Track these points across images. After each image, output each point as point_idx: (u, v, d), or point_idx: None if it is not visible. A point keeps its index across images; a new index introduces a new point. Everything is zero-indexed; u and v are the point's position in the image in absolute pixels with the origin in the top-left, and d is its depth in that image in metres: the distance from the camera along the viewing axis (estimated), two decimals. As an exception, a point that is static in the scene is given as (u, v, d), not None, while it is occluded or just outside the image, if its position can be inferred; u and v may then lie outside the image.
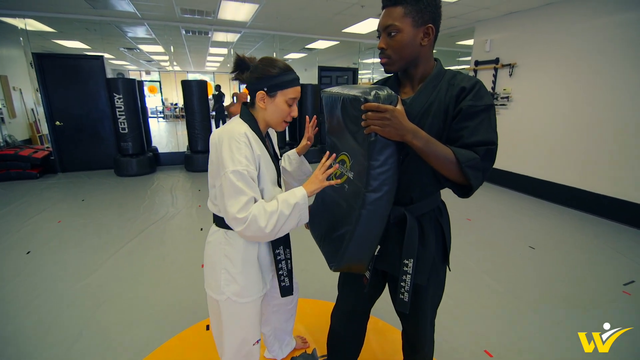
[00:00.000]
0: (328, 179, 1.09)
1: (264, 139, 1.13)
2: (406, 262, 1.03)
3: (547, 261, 2.77)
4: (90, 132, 5.66)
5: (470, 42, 5.54)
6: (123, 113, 5.21)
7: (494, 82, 4.99)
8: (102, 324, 1.93)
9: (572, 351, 1.73)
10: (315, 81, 7.30)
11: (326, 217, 1.15)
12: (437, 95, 0.98)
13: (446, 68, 1.04)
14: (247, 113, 1.12)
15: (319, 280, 2.39)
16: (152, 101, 16.77)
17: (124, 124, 5.26)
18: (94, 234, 3.19)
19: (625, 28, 3.49)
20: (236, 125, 1.06)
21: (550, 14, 4.18)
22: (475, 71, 5.29)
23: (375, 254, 1.07)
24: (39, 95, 5.38)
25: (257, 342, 1.25)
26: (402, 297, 1.05)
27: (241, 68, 1.12)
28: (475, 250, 2.95)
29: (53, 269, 2.53)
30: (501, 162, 5.00)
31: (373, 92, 0.85)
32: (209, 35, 6.65)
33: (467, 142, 0.91)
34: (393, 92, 0.87)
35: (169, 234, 3.21)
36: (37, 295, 2.19)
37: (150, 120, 16.70)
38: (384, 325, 1.94)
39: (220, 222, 1.16)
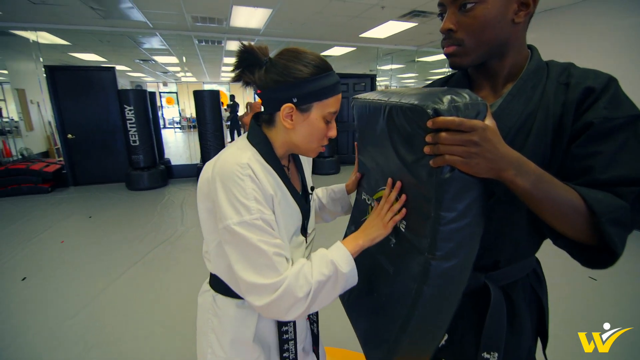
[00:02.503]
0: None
1: (283, 169, 0.76)
2: (487, 356, 0.69)
3: (612, 295, 2.36)
4: (102, 145, 5.55)
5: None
6: (134, 125, 5.06)
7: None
8: (87, 375, 1.65)
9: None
10: (331, 89, 7.03)
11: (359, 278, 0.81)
12: (542, 101, 0.62)
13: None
14: (258, 132, 0.75)
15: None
16: (170, 112, 17.04)
17: (135, 137, 5.11)
18: (95, 256, 2.96)
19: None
20: (236, 152, 0.69)
21: (590, 9, 3.76)
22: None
23: (442, 343, 0.72)
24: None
25: None
26: None
27: (249, 64, 0.71)
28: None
29: (46, 300, 2.29)
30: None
31: (447, 98, 0.52)
32: (222, 45, 6.52)
33: (602, 179, 0.55)
34: (479, 98, 0.53)
35: (174, 257, 2.93)
36: (22, 332, 1.94)
37: (167, 131, 16.90)
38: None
39: (213, 280, 0.83)
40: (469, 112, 0.51)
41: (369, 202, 0.82)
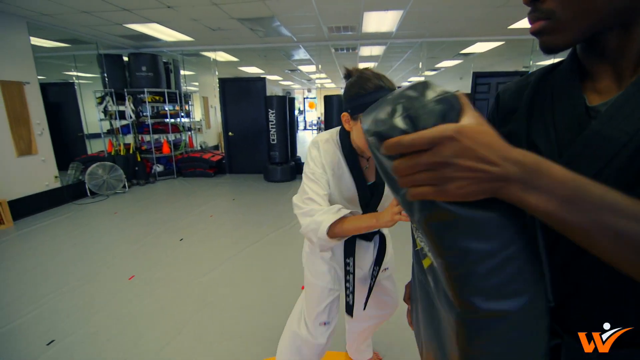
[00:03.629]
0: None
1: (353, 153, 1.05)
2: None
3: None
4: (252, 142, 6.66)
5: None
6: (274, 126, 5.87)
7: None
8: (197, 329, 2.04)
9: None
10: (468, 90, 6.34)
11: (421, 317, 0.65)
12: None
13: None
14: (343, 128, 1.06)
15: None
16: (311, 115, 18.95)
17: (274, 136, 5.92)
18: (229, 232, 3.60)
19: None
20: (325, 132, 1.10)
21: None
22: None
23: None
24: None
25: (325, 323, 1.25)
26: None
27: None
28: None
29: (188, 259, 2.94)
30: None
31: (397, 109, 0.39)
32: (357, 51, 6.78)
33: None
34: (446, 91, 0.38)
35: (284, 244, 3.27)
36: (168, 284, 2.55)
37: (307, 132, 18.68)
38: None
39: None
40: (427, 117, 0.36)
41: (414, 230, 0.68)
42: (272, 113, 5.81)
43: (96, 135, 6.38)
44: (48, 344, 1.88)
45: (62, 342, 1.89)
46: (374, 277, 1.22)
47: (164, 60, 6.16)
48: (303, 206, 1.01)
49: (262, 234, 3.48)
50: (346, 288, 1.18)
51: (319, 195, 1.00)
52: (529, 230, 0.40)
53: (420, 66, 6.52)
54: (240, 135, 6.64)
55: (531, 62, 6.29)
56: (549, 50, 0.50)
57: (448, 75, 10.36)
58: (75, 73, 6.30)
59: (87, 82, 7.00)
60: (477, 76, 6.10)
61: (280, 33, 5.33)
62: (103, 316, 2.13)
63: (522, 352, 0.43)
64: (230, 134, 6.65)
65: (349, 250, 1.15)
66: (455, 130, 0.34)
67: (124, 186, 5.29)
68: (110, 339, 1.92)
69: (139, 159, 5.86)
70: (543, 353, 0.43)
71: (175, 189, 5.59)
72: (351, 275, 1.15)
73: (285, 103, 5.97)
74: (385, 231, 1.28)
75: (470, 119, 0.36)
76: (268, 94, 6.36)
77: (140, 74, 5.70)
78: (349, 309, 1.19)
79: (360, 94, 0.91)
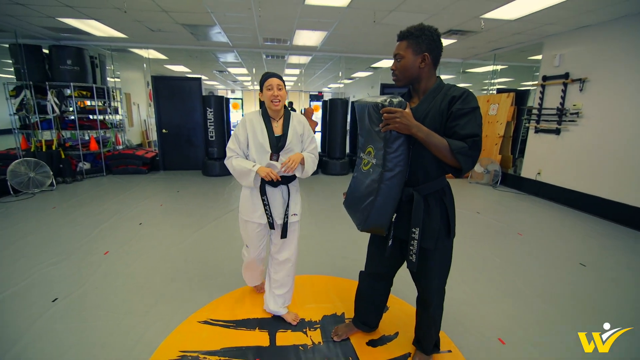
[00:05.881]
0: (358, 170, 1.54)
1: (269, 118, 1.79)
2: (414, 230, 1.36)
3: (601, 282, 2.69)
4: (187, 139, 6.87)
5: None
6: (212, 123, 6.27)
7: (563, 98, 4.80)
8: (186, 276, 2.58)
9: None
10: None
11: (355, 193, 1.52)
12: (434, 103, 1.32)
13: (450, 84, 1.37)
14: (262, 102, 1.84)
15: (357, 267, 2.74)
16: (235, 116, 18.96)
17: (212, 133, 6.31)
18: (185, 216, 4.02)
19: None
20: (253, 110, 1.93)
21: (624, 27, 3.98)
22: (543, 87, 5.13)
23: (393, 220, 1.42)
24: (152, 109, 6.77)
25: (247, 246, 2.02)
26: (411, 258, 1.39)
27: None
28: (521, 263, 2.98)
29: (155, 237, 3.34)
30: (566, 181, 4.74)
31: (388, 100, 1.25)
32: (285, 59, 7.58)
33: (460, 136, 1.24)
34: (403, 99, 1.25)
35: (236, 222, 3.86)
36: (142, 254, 2.96)
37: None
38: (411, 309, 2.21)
39: None
40: (397, 105, 1.24)
41: (361, 156, 1.55)
42: (211, 111, 6.21)
43: (3, 131, 5.84)
44: (53, 301, 2.20)
45: (67, 299, 2.23)
46: (286, 215, 1.84)
47: (90, 55, 6.00)
48: (230, 153, 1.79)
49: (218, 214, 4.01)
50: (266, 213, 1.80)
51: (234, 148, 1.78)
52: (409, 149, 1.29)
53: (340, 75, 7.64)
54: (174, 133, 6.80)
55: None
56: (398, 87, 1.43)
57: (362, 83, 11.90)
58: (-25, 61, 5.66)
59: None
60: (384, 87, 7.49)
61: (217, 39, 5.80)
62: (99, 277, 2.49)
63: (396, 189, 1.32)
64: (164, 130, 6.76)
65: (262, 190, 1.79)
66: (402, 110, 1.23)
67: (52, 184, 5.08)
68: (114, 290, 2.34)
69: (62, 156, 5.62)
70: (401, 190, 1.33)
71: (108, 185, 5.55)
72: (267, 206, 1.79)
73: (223, 102, 6.43)
74: (293, 187, 1.87)
75: (407, 109, 1.24)
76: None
77: (64, 67, 5.50)
78: (271, 226, 1.83)
79: (261, 79, 1.76)
